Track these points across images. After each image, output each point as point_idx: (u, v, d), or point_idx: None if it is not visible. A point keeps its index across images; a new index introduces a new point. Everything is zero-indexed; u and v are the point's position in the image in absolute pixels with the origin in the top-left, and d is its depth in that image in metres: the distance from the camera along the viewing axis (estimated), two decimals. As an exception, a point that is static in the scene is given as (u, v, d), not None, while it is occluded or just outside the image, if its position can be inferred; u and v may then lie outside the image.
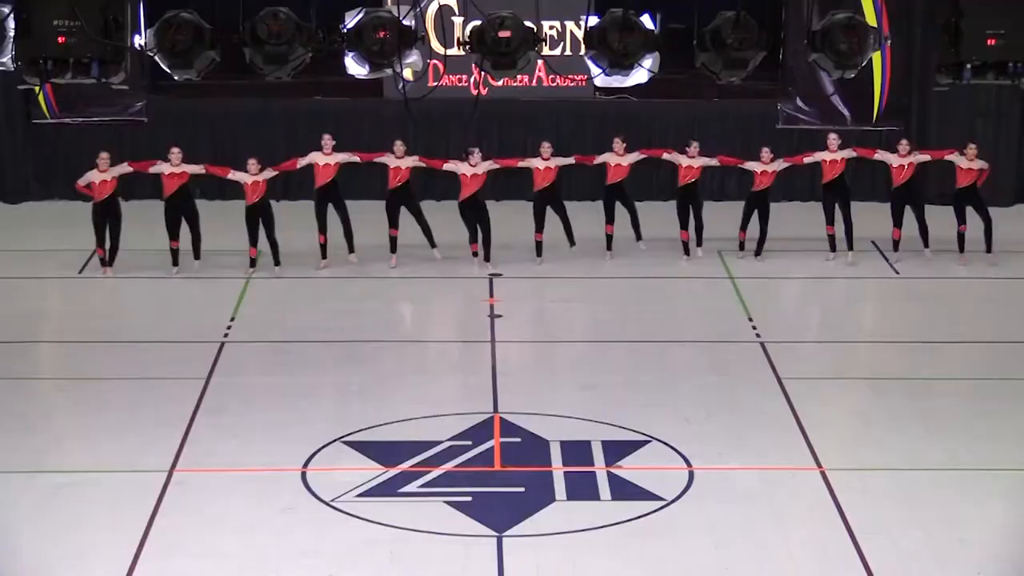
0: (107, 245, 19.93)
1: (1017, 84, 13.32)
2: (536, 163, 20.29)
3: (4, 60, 13.21)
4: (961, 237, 20.64)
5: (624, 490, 13.57)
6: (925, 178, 20.74)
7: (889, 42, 22.11)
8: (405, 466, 14.03)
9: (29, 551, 12.37)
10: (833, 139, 20.55)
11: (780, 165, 20.67)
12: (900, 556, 12.36)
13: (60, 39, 12.78)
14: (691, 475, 13.89)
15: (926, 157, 20.58)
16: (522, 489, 13.59)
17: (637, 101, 23.49)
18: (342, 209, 20.10)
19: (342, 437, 14.71)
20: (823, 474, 13.92)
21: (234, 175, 19.90)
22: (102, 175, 19.67)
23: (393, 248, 20.25)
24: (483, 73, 14.21)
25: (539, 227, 20.41)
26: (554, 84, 23.67)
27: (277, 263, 20.03)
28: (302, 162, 20.09)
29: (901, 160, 20.38)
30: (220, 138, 23.75)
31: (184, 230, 19.87)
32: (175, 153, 19.71)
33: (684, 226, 20.65)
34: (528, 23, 13.68)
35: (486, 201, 20.43)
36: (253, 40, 13.32)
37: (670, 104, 23.79)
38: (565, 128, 23.71)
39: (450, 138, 23.22)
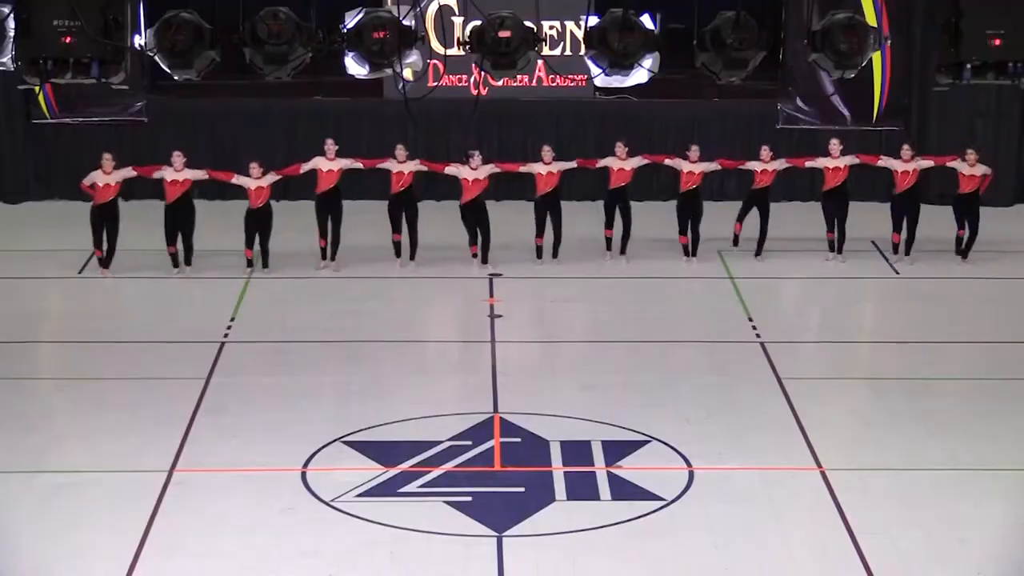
0: (104, 247, 19.93)
1: (1017, 84, 13.31)
2: (538, 168, 20.27)
3: (4, 60, 13.19)
4: (959, 241, 20.66)
5: (624, 490, 13.57)
6: (926, 179, 20.72)
7: (889, 42, 22.11)
8: (405, 466, 14.04)
9: (29, 551, 12.38)
10: (835, 145, 20.50)
11: (781, 164, 20.67)
12: (900, 556, 12.36)
13: (60, 39, 12.77)
14: (691, 475, 13.89)
15: (929, 163, 20.57)
16: (522, 489, 13.60)
17: (637, 101, 23.49)
18: (337, 218, 20.09)
19: (342, 437, 14.71)
20: (823, 474, 13.92)
21: (238, 180, 19.90)
22: (106, 178, 19.68)
23: (398, 252, 20.26)
24: (483, 73, 14.19)
25: (540, 231, 20.41)
26: (554, 84, 23.67)
27: (266, 265, 20.04)
28: (305, 167, 20.09)
29: (906, 166, 20.36)
30: (220, 138, 23.75)
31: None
32: (178, 157, 19.71)
33: (684, 232, 20.66)
34: (528, 23, 13.67)
35: (487, 201, 20.43)
36: (253, 40, 13.31)
37: (670, 104, 23.79)
38: (565, 128, 23.73)
39: (450, 138, 23.23)
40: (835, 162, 20.43)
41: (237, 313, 18.60)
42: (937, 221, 20.96)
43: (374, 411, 15.38)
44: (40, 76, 13.05)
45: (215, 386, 16.09)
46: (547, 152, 20.30)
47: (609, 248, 20.74)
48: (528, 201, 20.82)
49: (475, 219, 20.23)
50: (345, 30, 13.60)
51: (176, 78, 13.83)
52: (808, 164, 20.82)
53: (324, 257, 20.22)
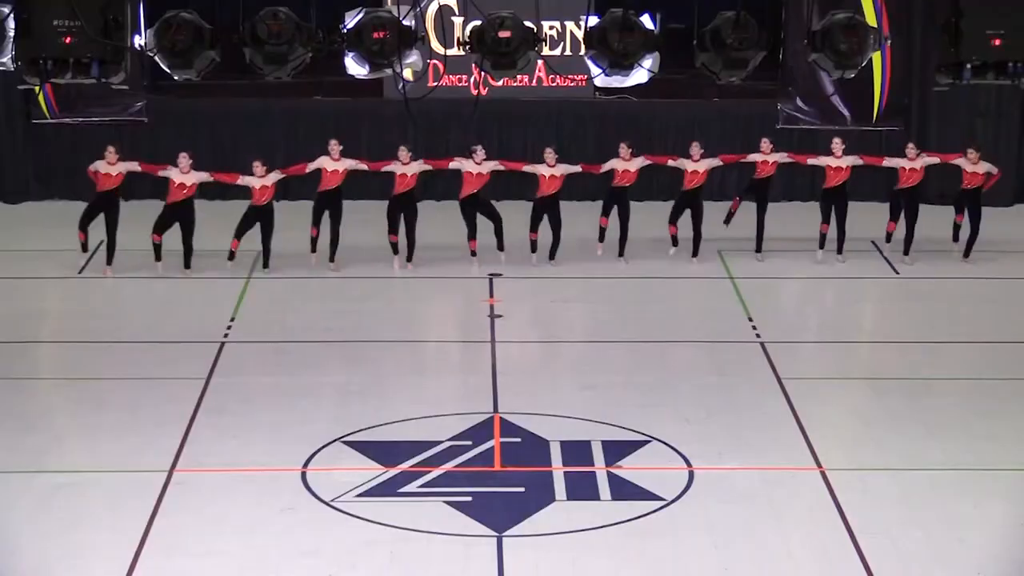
0: (105, 242, 19.93)
1: (1017, 84, 13.32)
2: (542, 170, 20.24)
3: (4, 60, 13.21)
4: (957, 229, 20.62)
5: (624, 490, 13.57)
6: (927, 179, 20.72)
7: (889, 42, 22.10)
8: (405, 466, 14.04)
9: (29, 551, 12.38)
10: (837, 144, 20.48)
11: (782, 157, 20.66)
12: (900, 556, 12.36)
13: (60, 39, 12.78)
14: (691, 475, 13.89)
15: (935, 160, 20.54)
16: (522, 489, 13.59)
17: (637, 101, 23.50)
18: (336, 217, 20.06)
19: (342, 437, 14.71)
20: (823, 474, 13.92)
21: (243, 180, 19.90)
22: (109, 167, 19.68)
23: (396, 251, 20.26)
24: (483, 73, 14.21)
25: (534, 228, 20.37)
26: (554, 84, 23.67)
27: (266, 265, 20.05)
28: (311, 167, 20.08)
29: (912, 163, 20.35)
30: (220, 138, 23.75)
31: (175, 233, 19.82)
32: (184, 158, 19.69)
33: (673, 221, 20.59)
34: (528, 23, 13.69)
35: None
36: (253, 40, 13.32)
37: (670, 104, 23.79)
38: (565, 128, 23.72)
39: (450, 138, 23.21)
40: (838, 161, 20.42)
41: (237, 313, 18.60)
42: (937, 221, 20.96)
43: (374, 411, 15.38)
44: (40, 76, 13.06)
45: (215, 386, 16.09)
46: (550, 155, 20.27)
47: (602, 239, 20.65)
48: (528, 201, 20.80)
49: (477, 212, 20.17)
50: (345, 30, 13.61)
51: (176, 78, 13.84)
52: (811, 161, 20.80)
53: (314, 249, 20.15)
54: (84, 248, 20.01)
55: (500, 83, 21.89)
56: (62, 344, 17.88)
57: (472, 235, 20.33)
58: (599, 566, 12.26)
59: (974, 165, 20.29)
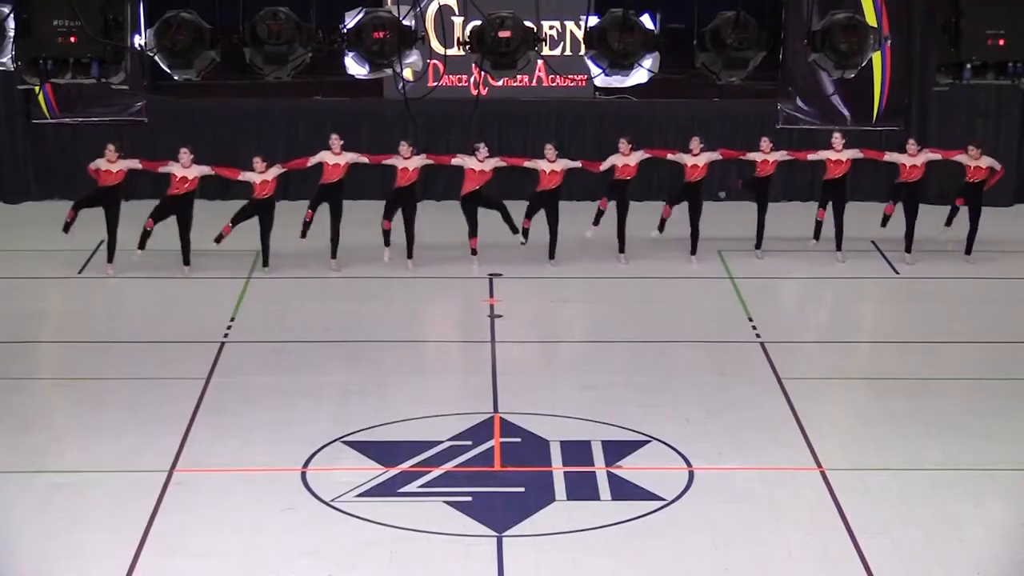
0: (106, 241, 19.95)
1: (1017, 84, 13.32)
2: (543, 165, 20.26)
3: (4, 60, 13.20)
4: (954, 211, 20.54)
5: (624, 490, 13.57)
6: (927, 178, 20.72)
7: (889, 42, 22.10)
8: (405, 466, 14.04)
9: (29, 551, 12.38)
10: (837, 138, 20.55)
11: (782, 155, 20.69)
12: (900, 556, 12.36)
13: (60, 39, 12.78)
14: (691, 475, 13.89)
15: (937, 156, 20.54)
16: (522, 489, 13.60)
17: (637, 101, 23.51)
18: (337, 213, 20.06)
19: (342, 437, 14.71)
20: (823, 474, 13.92)
21: (244, 176, 19.90)
22: (109, 165, 19.68)
23: (387, 242, 20.20)
24: (483, 73, 14.20)
25: (529, 216, 20.28)
26: (554, 84, 23.67)
27: (266, 264, 20.05)
28: (312, 161, 20.10)
29: (912, 160, 20.36)
30: (220, 138, 23.74)
31: (172, 228, 19.82)
32: (185, 154, 19.69)
33: (669, 203, 20.56)
34: (528, 23, 13.68)
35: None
36: (253, 40, 13.32)
37: (670, 104, 23.80)
38: (565, 128, 23.72)
39: (450, 138, 23.19)
40: (837, 155, 20.44)
41: (237, 313, 18.61)
42: (937, 221, 20.95)
43: (374, 411, 15.38)
44: (40, 76, 13.06)
45: (215, 386, 16.09)
46: (550, 150, 20.30)
47: (596, 223, 20.57)
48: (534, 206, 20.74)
49: (479, 208, 20.16)
50: (345, 30, 13.60)
51: (176, 78, 13.83)
52: (811, 157, 20.81)
53: (304, 235, 20.08)
54: (67, 228, 19.82)
55: (500, 83, 21.90)
56: (62, 344, 17.88)
57: (473, 233, 20.33)
58: (599, 566, 12.27)
59: (976, 160, 20.29)
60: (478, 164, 20.02)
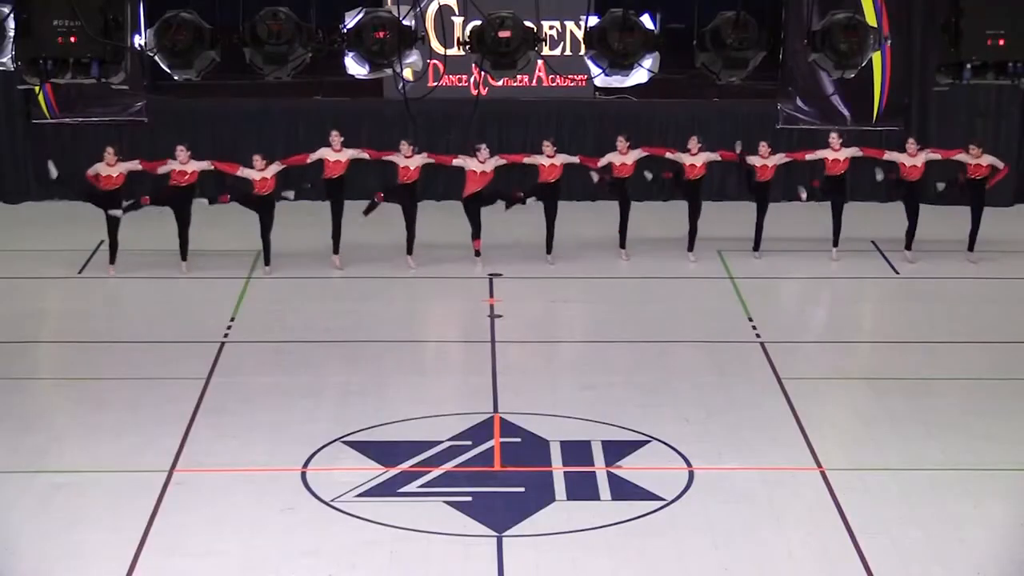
0: (106, 241, 19.95)
1: (1017, 84, 13.32)
2: (542, 160, 20.29)
3: (4, 60, 13.20)
4: (954, 185, 20.52)
5: (624, 490, 13.57)
6: (927, 177, 20.71)
7: (889, 42, 22.10)
8: (405, 466, 14.04)
9: (29, 551, 12.38)
10: (835, 138, 20.55)
11: (781, 159, 20.69)
12: (900, 556, 12.36)
13: (60, 39, 12.78)
14: (691, 475, 13.89)
15: (936, 156, 20.54)
16: (522, 489, 13.60)
17: (637, 101, 23.51)
18: (339, 209, 20.08)
19: (342, 437, 14.71)
20: (823, 474, 13.92)
21: (243, 172, 19.90)
22: (109, 169, 19.68)
23: (369, 209, 20.01)
24: (483, 73, 14.20)
25: (524, 192, 20.29)
26: (554, 84, 23.67)
27: (267, 263, 20.06)
28: (312, 157, 20.12)
29: (913, 160, 20.36)
30: (220, 138, 23.74)
31: (171, 227, 19.83)
32: (182, 151, 19.70)
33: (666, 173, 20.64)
34: (528, 23, 13.68)
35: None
36: (253, 40, 13.31)
37: (670, 104, 23.80)
38: (565, 128, 23.71)
39: (450, 139, 23.19)
40: (836, 154, 20.45)
41: (237, 313, 18.60)
42: (938, 220, 20.95)
43: (374, 411, 15.39)
44: (40, 76, 13.05)
45: (215, 386, 16.09)
46: (548, 147, 20.32)
47: (601, 180, 20.61)
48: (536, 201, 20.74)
49: (482, 209, 20.18)
50: (345, 30, 13.60)
51: (176, 78, 13.83)
52: (809, 157, 20.82)
53: (290, 187, 20.14)
54: (52, 172, 19.81)
55: (500, 83, 21.90)
56: (62, 344, 17.88)
57: (476, 234, 20.35)
58: (599, 566, 12.27)
59: (976, 159, 20.28)
60: (479, 166, 20.02)
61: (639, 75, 13.86)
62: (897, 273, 20.47)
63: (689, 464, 14.14)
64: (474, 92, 22.60)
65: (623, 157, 20.46)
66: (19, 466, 14.01)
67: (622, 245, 20.71)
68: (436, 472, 13.92)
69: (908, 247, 20.67)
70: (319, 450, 14.39)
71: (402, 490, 13.59)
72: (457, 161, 20.23)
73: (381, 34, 13.43)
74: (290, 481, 13.73)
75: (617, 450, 14.44)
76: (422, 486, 13.67)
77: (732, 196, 23.16)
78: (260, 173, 19.78)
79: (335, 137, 20.07)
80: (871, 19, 22.46)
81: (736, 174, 22.37)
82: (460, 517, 13.03)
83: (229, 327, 18.02)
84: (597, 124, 23.71)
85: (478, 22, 13.77)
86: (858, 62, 13.64)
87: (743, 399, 15.82)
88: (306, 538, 12.65)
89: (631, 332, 18.02)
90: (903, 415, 15.37)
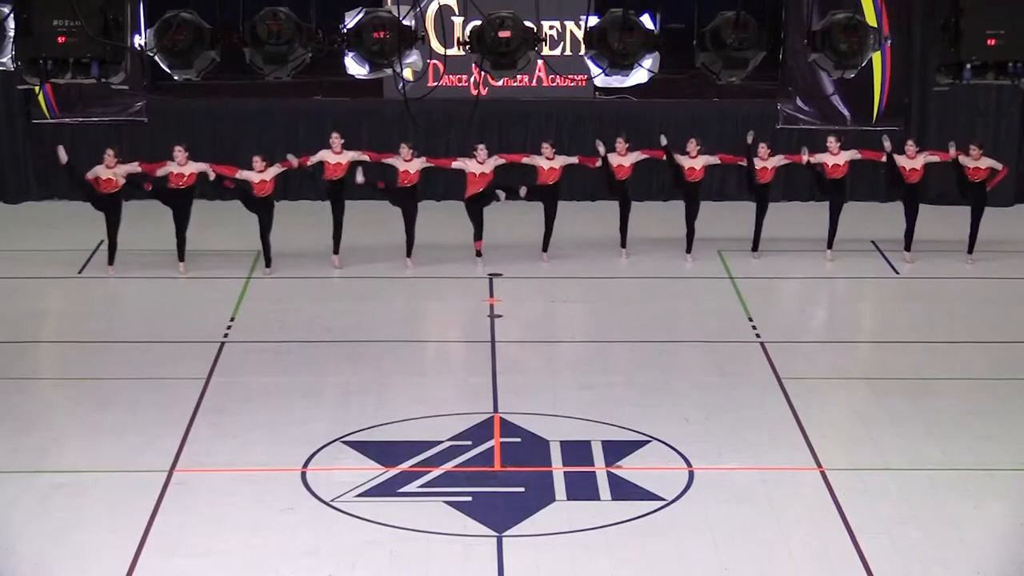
0: (106, 242, 19.94)
1: (1017, 84, 13.33)
2: (540, 161, 20.30)
3: (4, 60, 13.21)
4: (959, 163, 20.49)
5: (624, 490, 13.57)
6: (927, 179, 20.70)
7: (889, 42, 22.10)
8: (405, 466, 14.04)
9: (29, 551, 12.38)
10: (832, 141, 20.50)
11: (780, 161, 20.68)
12: (900, 556, 12.36)
13: (60, 39, 12.78)
14: (691, 475, 13.89)
15: (935, 158, 20.53)
16: (522, 489, 13.60)
17: (637, 101, 23.50)
18: (339, 210, 20.10)
19: (342, 437, 14.71)
20: (823, 474, 13.92)
21: (242, 174, 19.90)
22: (109, 172, 19.68)
23: (363, 178, 19.85)
24: (483, 73, 14.21)
25: (524, 190, 20.31)
26: (554, 84, 23.67)
27: (268, 264, 20.05)
28: (312, 160, 20.12)
29: (911, 162, 20.35)
30: (220, 138, 23.74)
31: (170, 227, 19.82)
32: (180, 151, 19.69)
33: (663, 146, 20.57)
34: (528, 23, 13.69)
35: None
36: (253, 40, 13.33)
37: (670, 104, 23.79)
38: (565, 128, 23.70)
39: (450, 139, 23.18)
40: (834, 158, 20.43)
41: (237, 313, 18.60)
42: (938, 221, 20.94)
43: (374, 411, 15.39)
44: (40, 76, 13.07)
45: (215, 386, 16.09)
46: (547, 148, 20.34)
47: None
48: (529, 201, 20.77)
49: (483, 210, 20.19)
50: (345, 30, 13.62)
51: (176, 78, 13.84)
52: (807, 159, 20.77)
53: (285, 157, 20.07)
54: (62, 157, 19.63)
55: (500, 83, 21.89)
56: (62, 344, 17.87)
57: (478, 235, 20.36)
58: (599, 566, 12.27)
59: (976, 161, 20.27)
60: (478, 167, 20.03)
61: (639, 75, 13.88)
62: (897, 273, 20.47)
63: (689, 464, 14.14)
64: (474, 92, 22.60)
65: (621, 159, 20.45)
66: (19, 466, 14.01)
67: (623, 244, 20.73)
68: (436, 472, 13.92)
69: (907, 248, 20.67)
70: (319, 450, 14.39)
71: (402, 490, 13.59)
72: (456, 163, 20.24)
73: (381, 34, 13.44)
74: (290, 481, 13.73)
75: (617, 450, 14.44)
76: (422, 486, 13.67)
77: (732, 196, 23.16)
78: (259, 175, 19.77)
79: (335, 139, 20.07)
80: (871, 19, 22.46)
81: (736, 174, 22.38)
82: (460, 517, 13.03)
83: (229, 327, 18.02)
84: (597, 124, 23.66)
85: (478, 22, 13.78)
86: (858, 62, 13.66)
87: (743, 399, 15.82)
88: (306, 538, 12.65)
89: (631, 332, 18.02)
90: (903, 415, 15.37)
